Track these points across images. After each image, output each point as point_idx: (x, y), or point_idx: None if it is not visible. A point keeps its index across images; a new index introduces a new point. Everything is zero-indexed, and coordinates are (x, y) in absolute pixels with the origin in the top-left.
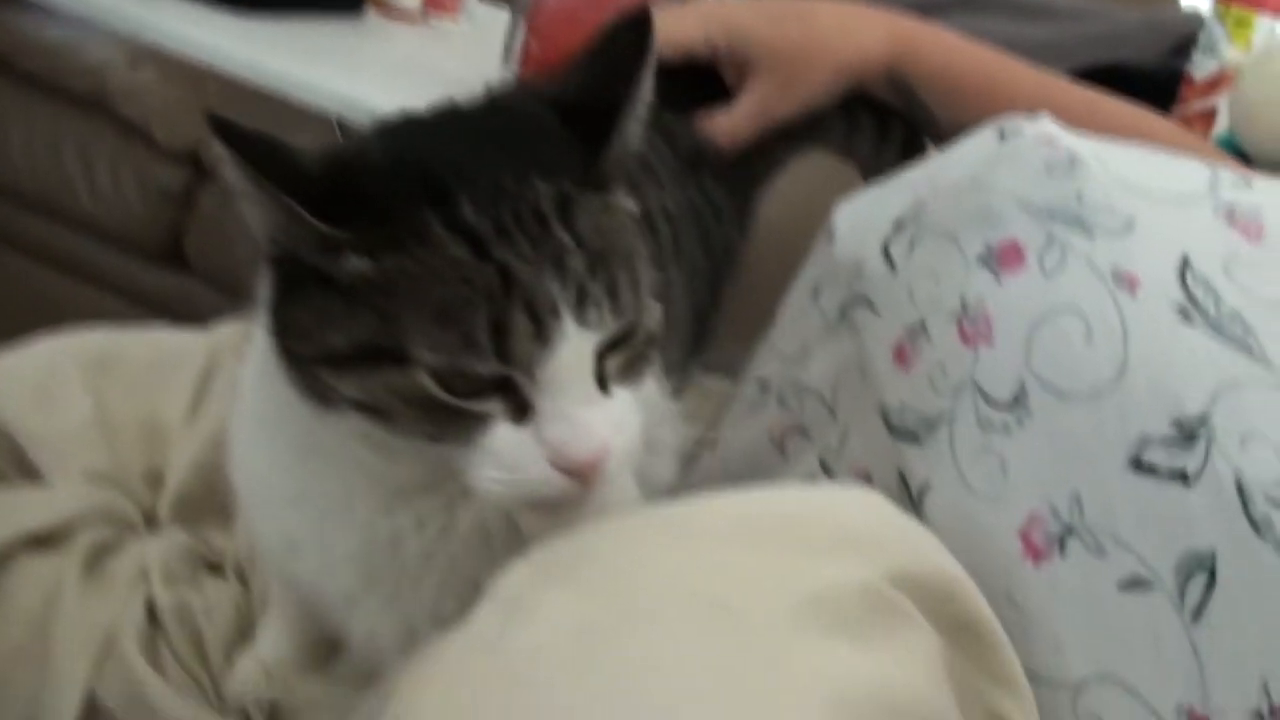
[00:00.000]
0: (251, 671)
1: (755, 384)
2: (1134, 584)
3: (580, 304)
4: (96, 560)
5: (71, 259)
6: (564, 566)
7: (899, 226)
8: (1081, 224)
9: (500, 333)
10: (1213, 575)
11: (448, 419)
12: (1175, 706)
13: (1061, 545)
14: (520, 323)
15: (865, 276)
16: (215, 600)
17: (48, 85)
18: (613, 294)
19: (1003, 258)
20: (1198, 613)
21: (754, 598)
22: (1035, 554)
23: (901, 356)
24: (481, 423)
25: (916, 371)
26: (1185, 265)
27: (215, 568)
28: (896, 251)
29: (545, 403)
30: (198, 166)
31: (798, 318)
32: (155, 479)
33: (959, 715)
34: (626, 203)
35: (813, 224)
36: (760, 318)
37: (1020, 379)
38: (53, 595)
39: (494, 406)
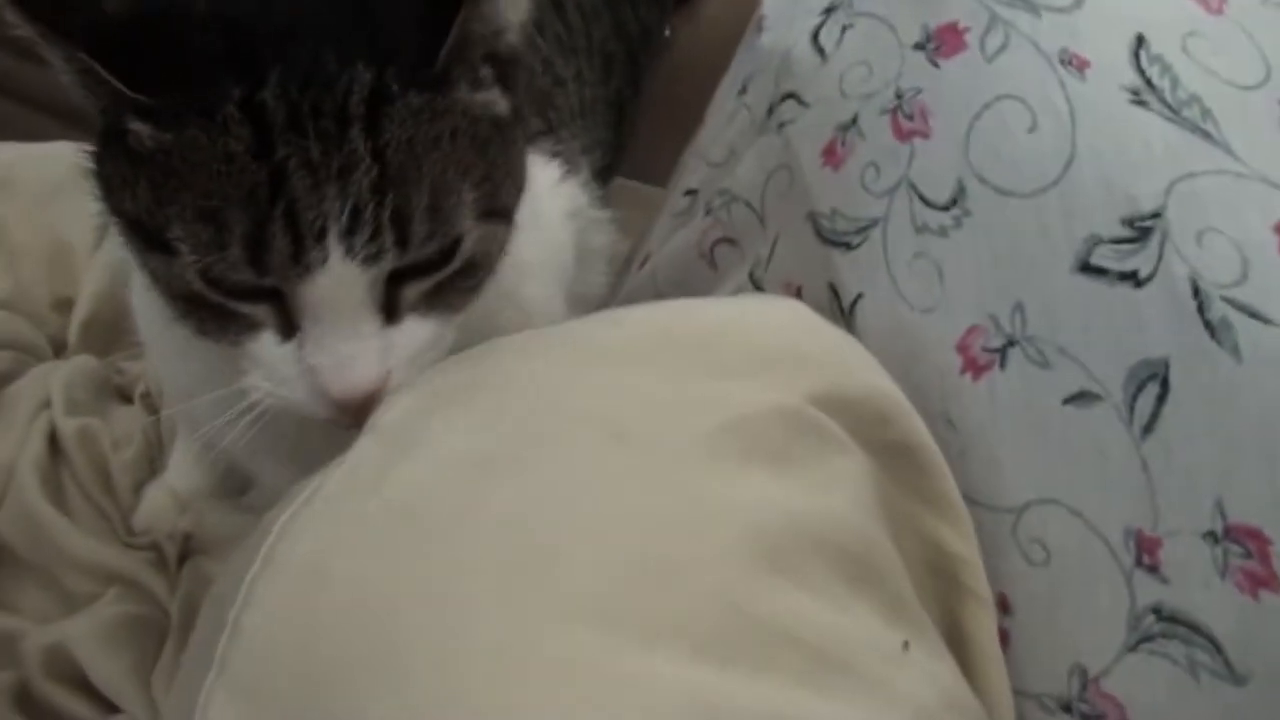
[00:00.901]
0: (161, 502)
1: (682, 193)
2: (1080, 397)
3: (352, 231)
4: None
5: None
6: (452, 394)
7: (830, 10)
8: (1027, 1)
9: (255, 245)
10: (1165, 385)
11: (215, 317)
12: (1123, 529)
13: (1002, 358)
14: (278, 240)
15: (793, 68)
16: (123, 429)
17: None
18: (400, 223)
19: (941, 41)
20: (1148, 427)
21: (661, 424)
22: (974, 368)
23: (832, 156)
24: (250, 328)
25: (848, 171)
26: (1140, 43)
27: (126, 397)
28: (827, 39)
29: (308, 326)
30: None
31: (725, 119)
32: (65, 306)
33: (891, 543)
34: (480, 103)
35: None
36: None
37: (959, 176)
38: None
39: (262, 313)
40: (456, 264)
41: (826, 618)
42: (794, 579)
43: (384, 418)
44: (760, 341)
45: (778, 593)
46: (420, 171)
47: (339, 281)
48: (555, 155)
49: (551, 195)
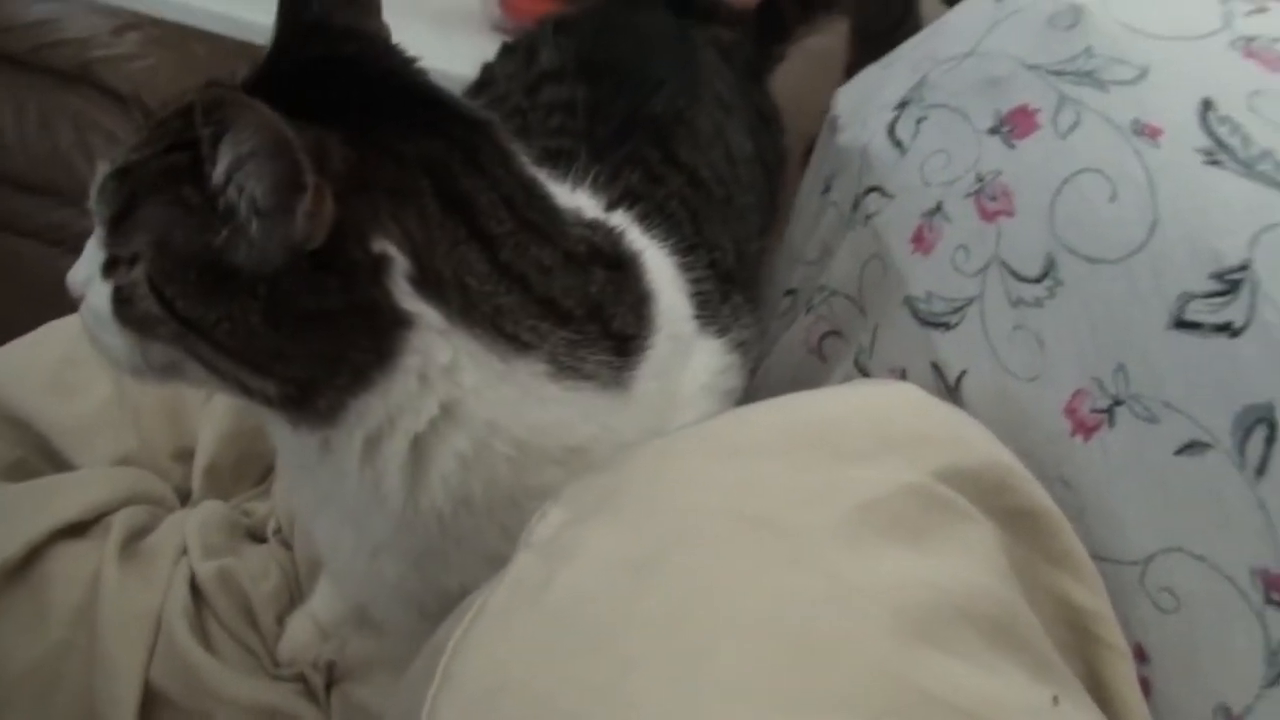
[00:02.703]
0: (305, 632)
1: (782, 294)
2: (1191, 447)
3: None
4: (133, 543)
5: (77, 237)
6: (599, 503)
7: (903, 105)
8: (1093, 78)
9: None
10: (1272, 427)
11: None
12: (1249, 569)
13: (1110, 417)
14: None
15: (873, 163)
16: (259, 565)
17: (33, 64)
18: (116, 193)
19: (1014, 124)
20: (1261, 468)
21: (799, 511)
22: (1084, 430)
23: (921, 242)
24: None
25: (938, 255)
26: (1207, 107)
27: (256, 536)
28: (903, 132)
29: None
30: None
31: (813, 218)
32: (185, 456)
33: (1026, 605)
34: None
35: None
36: None
37: (1047, 249)
38: (93, 584)
39: None
40: (115, 278)
41: (979, 682)
42: (944, 648)
43: (537, 533)
44: (882, 424)
45: (931, 662)
46: (151, 203)
47: (97, 194)
48: (740, 346)
49: (720, 378)
